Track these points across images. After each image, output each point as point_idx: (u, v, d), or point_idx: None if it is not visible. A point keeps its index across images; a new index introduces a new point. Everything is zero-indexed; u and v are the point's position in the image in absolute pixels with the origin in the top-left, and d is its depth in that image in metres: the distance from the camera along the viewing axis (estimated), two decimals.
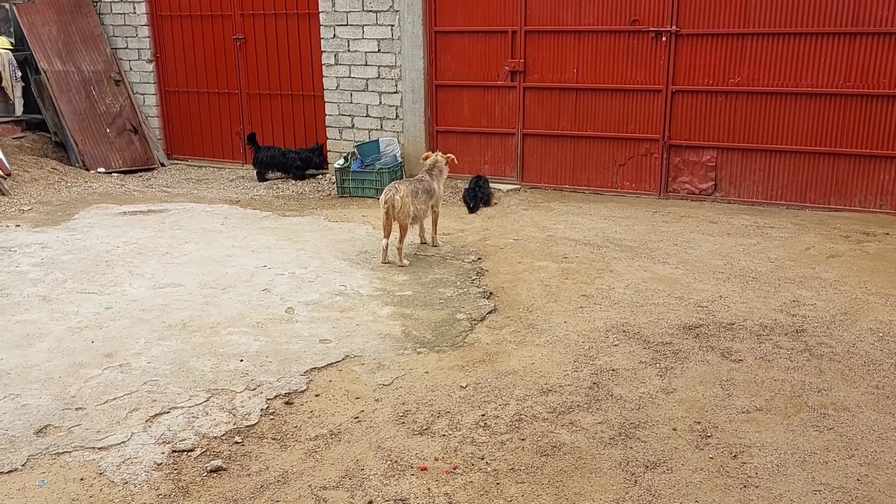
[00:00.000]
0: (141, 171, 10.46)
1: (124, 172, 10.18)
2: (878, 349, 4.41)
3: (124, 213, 7.55)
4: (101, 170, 9.95)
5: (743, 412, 3.69)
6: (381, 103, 9.59)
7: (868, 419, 3.62)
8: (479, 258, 6.30)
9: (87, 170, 9.87)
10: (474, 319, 4.91)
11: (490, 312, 5.03)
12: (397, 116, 9.54)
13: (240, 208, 7.89)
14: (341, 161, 9.07)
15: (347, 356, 4.29)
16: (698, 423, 3.58)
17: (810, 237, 6.86)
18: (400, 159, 9.14)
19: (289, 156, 9.87)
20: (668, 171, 8.47)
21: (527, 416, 3.62)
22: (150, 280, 5.45)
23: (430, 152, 6.69)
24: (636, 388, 3.93)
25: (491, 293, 5.41)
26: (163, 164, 10.98)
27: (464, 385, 3.95)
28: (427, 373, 4.11)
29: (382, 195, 6.03)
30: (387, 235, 6.05)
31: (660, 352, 4.38)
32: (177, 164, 11.12)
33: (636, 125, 8.49)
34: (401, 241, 6.05)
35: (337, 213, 7.87)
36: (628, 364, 4.21)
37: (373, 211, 8.04)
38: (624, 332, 4.69)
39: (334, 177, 9.07)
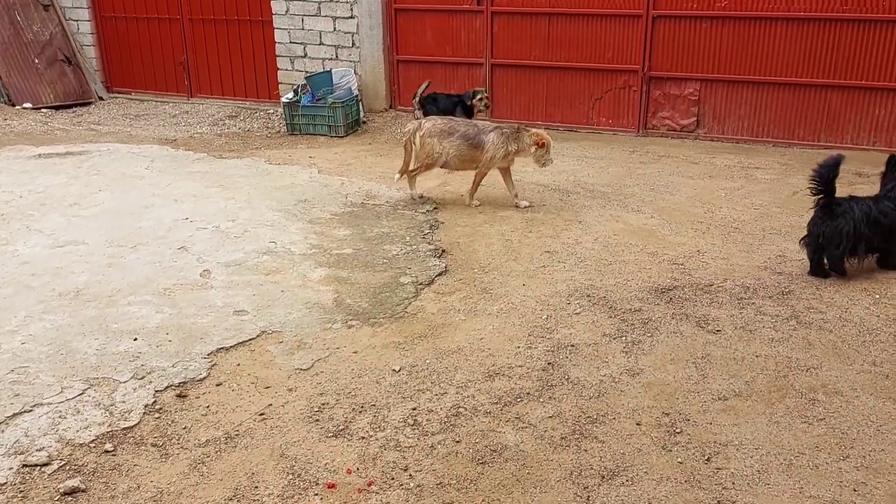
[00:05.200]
0: (76, 105, 9.58)
1: (56, 108, 9.30)
2: (873, 314, 3.87)
3: (39, 155, 6.76)
4: (28, 105, 9.07)
5: (719, 398, 3.15)
6: (335, 30, 8.71)
7: (864, 406, 3.09)
8: (436, 207, 5.65)
9: (13, 105, 8.99)
10: (420, 283, 4.29)
11: (440, 274, 4.42)
12: (353, 44, 8.68)
13: (171, 149, 7.12)
14: (290, 94, 8.27)
15: (264, 332, 3.68)
16: (667, 414, 3.04)
17: (798, 179, 6.25)
18: (356, 92, 8.34)
19: None
20: (648, 106, 7.77)
21: (466, 409, 3.05)
22: (49, 237, 4.76)
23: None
24: (597, 369, 3.36)
25: (443, 251, 4.78)
26: (101, 98, 10.08)
27: (397, 368, 3.37)
28: (356, 353, 3.52)
29: (408, 125, 5.62)
30: (402, 171, 5.67)
31: (627, 321, 3.81)
32: (117, 97, 10.22)
33: (614, 54, 7.74)
34: (415, 171, 5.64)
35: (281, 154, 7.13)
36: (590, 338, 3.64)
37: (323, 151, 7.33)
38: (588, 296, 4.10)
39: (283, 112, 8.28)
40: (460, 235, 5.06)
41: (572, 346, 3.57)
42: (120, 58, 10.25)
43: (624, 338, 3.65)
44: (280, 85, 9.15)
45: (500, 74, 8.30)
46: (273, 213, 5.33)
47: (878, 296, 4.07)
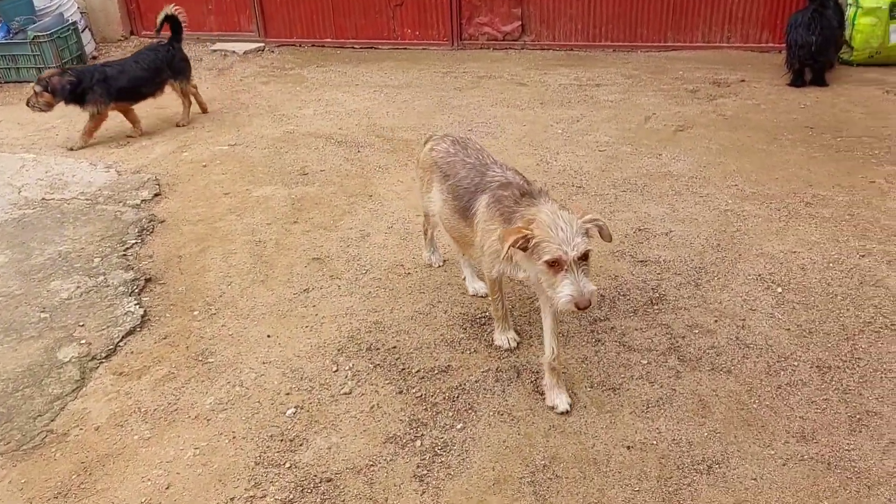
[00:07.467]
0: None
1: None
2: (782, 326, 2.63)
3: None
4: None
5: None
6: None
7: None
8: (159, 192, 3.85)
9: None
10: (94, 357, 2.60)
11: (133, 331, 2.73)
12: None
13: None
14: None
15: None
16: None
17: (648, 97, 4.97)
18: (72, 19, 6.09)
19: None
20: (461, 10, 6.15)
21: None
22: None
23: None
24: None
25: (149, 279, 3.06)
26: None
27: None
28: None
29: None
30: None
31: (427, 399, 2.34)
32: None
33: None
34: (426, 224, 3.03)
35: None
36: (362, 452, 2.15)
37: (18, 109, 5.20)
38: (369, 349, 2.59)
39: None
40: (187, 241, 3.35)
41: (329, 480, 2.06)
42: None
43: (419, 442, 2.18)
44: None
45: None
46: None
47: (780, 289, 2.84)
